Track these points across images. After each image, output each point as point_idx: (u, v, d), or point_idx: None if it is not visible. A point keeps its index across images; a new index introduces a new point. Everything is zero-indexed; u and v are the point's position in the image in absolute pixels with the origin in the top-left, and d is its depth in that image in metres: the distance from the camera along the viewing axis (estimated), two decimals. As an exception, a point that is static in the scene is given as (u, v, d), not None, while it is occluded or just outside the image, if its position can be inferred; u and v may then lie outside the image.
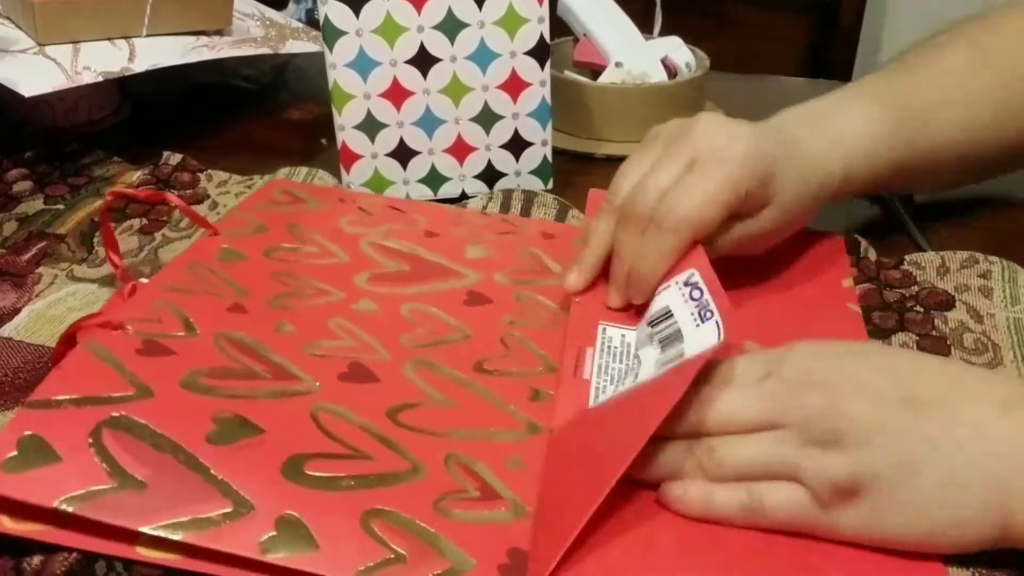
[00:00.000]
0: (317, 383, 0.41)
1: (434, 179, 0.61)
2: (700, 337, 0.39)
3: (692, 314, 0.41)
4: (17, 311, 0.49)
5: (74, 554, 0.34)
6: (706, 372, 0.37)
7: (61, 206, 0.60)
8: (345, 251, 0.52)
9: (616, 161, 0.69)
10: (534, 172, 0.62)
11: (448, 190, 0.62)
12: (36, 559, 0.34)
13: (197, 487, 0.35)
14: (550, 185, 0.63)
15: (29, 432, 0.35)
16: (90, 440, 0.36)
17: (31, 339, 0.46)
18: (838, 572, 0.34)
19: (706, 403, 0.36)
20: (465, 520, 0.35)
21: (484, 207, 0.60)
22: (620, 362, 0.44)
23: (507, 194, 0.61)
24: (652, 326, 0.43)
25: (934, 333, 0.47)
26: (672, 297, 0.43)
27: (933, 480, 0.33)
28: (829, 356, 0.37)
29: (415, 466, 0.37)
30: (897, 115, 0.51)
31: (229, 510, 0.34)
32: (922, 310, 0.49)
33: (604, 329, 0.45)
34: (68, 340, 0.41)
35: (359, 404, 0.40)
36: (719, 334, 0.38)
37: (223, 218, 0.55)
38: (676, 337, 0.41)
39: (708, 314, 0.40)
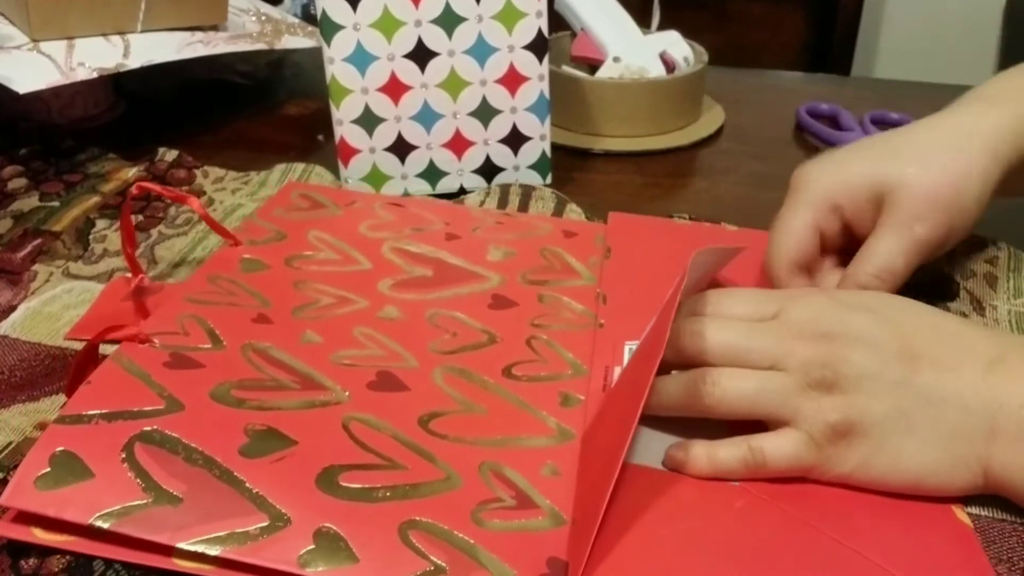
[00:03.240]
0: (347, 392, 0.41)
1: (432, 174, 0.61)
2: None
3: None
4: (13, 308, 0.48)
5: (70, 554, 0.33)
6: (712, 301, 0.39)
7: (56, 203, 0.59)
8: (367, 257, 0.52)
9: (614, 156, 0.69)
10: (532, 167, 0.62)
11: (446, 185, 0.62)
12: (33, 559, 0.33)
13: (233, 501, 0.34)
14: (548, 180, 0.62)
15: (61, 448, 0.35)
16: (123, 455, 0.35)
17: (27, 337, 0.46)
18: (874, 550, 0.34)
19: (710, 333, 0.38)
20: (503, 530, 0.34)
21: (482, 202, 0.60)
22: None
23: (504, 189, 0.61)
24: None
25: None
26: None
27: (923, 428, 0.35)
28: (837, 308, 0.38)
29: (448, 475, 0.37)
30: (1009, 107, 0.47)
31: (266, 524, 0.33)
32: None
33: (630, 348, 0.45)
34: (89, 352, 0.41)
35: (390, 413, 0.40)
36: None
37: (241, 226, 0.54)
38: None
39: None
